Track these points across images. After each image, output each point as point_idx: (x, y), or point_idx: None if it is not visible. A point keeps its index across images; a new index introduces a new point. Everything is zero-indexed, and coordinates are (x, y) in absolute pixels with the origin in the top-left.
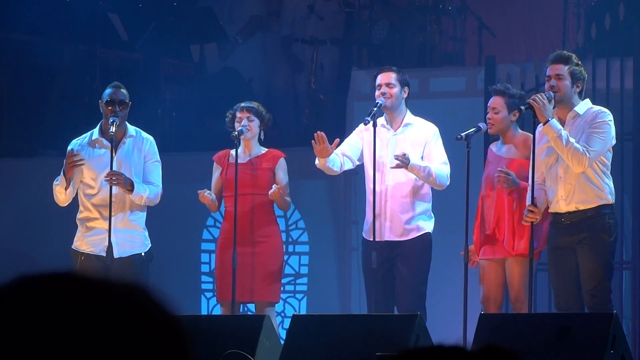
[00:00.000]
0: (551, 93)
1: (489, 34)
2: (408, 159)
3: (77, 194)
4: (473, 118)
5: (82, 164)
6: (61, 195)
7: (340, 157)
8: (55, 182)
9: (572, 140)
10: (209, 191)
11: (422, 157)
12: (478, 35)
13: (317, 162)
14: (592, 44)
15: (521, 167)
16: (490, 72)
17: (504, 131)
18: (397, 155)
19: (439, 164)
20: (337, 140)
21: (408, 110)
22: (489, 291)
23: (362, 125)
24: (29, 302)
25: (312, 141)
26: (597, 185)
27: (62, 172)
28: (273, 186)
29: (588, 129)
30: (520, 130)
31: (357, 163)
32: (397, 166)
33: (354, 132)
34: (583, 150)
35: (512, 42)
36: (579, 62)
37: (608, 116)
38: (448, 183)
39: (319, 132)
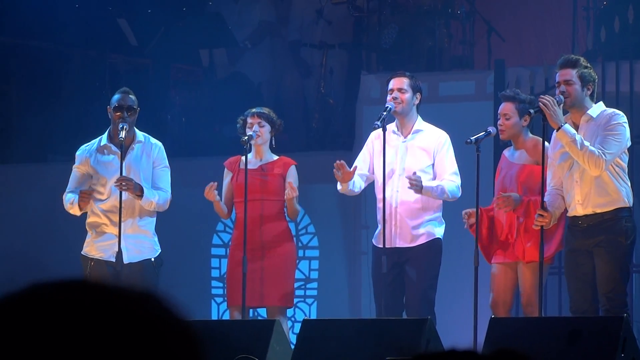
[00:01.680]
0: (561, 97)
1: (498, 38)
2: (420, 182)
3: None
4: (482, 122)
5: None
6: (74, 213)
7: (359, 178)
8: (68, 202)
9: (586, 143)
10: (215, 189)
11: (432, 165)
12: (487, 39)
13: (339, 187)
14: (602, 47)
15: (532, 173)
16: (500, 76)
17: (515, 137)
18: (408, 176)
19: (450, 174)
20: (356, 166)
21: (419, 117)
22: (498, 296)
23: (372, 135)
24: (42, 309)
25: (334, 170)
26: (614, 189)
27: (77, 204)
28: (287, 190)
29: (603, 132)
30: (530, 135)
31: (373, 176)
32: (414, 188)
33: (364, 146)
34: (599, 152)
35: (521, 45)
36: (588, 65)
37: (622, 118)
38: (460, 194)
39: (338, 161)
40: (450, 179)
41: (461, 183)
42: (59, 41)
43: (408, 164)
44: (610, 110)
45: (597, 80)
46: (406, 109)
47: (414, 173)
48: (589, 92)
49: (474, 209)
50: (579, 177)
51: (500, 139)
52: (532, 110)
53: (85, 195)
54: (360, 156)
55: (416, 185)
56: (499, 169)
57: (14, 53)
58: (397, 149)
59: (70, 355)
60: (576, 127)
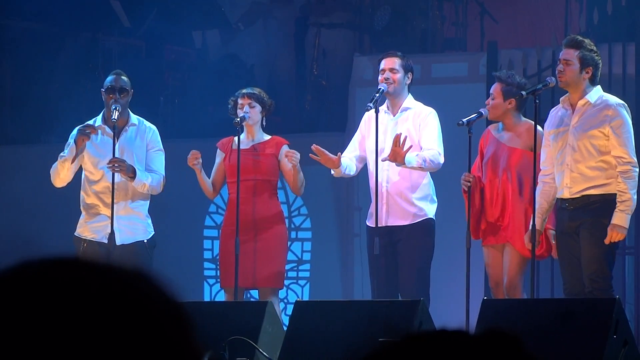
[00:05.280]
0: (552, 78)
1: (491, 20)
2: (402, 153)
3: (80, 181)
4: (475, 104)
5: (89, 139)
6: (63, 170)
7: (354, 160)
8: (60, 156)
9: (626, 197)
10: (198, 155)
11: (418, 140)
12: (480, 20)
13: (332, 172)
14: (594, 29)
15: (523, 158)
16: (493, 58)
17: (502, 118)
18: (397, 136)
19: (431, 144)
20: (340, 154)
21: (410, 95)
22: (497, 276)
23: (365, 115)
24: (32, 286)
25: (311, 155)
26: (606, 175)
27: (73, 141)
28: (285, 160)
29: (616, 138)
30: (523, 118)
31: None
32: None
33: (358, 128)
34: (631, 170)
35: (514, 27)
36: (593, 48)
37: (622, 114)
38: (442, 161)
39: (314, 145)
40: (429, 148)
41: (453, 165)
42: (52, 23)
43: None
44: (610, 98)
45: (599, 64)
46: (398, 89)
47: (405, 137)
48: (587, 75)
49: (472, 176)
50: (571, 161)
51: (488, 118)
52: (523, 92)
53: (85, 133)
54: (354, 138)
55: (397, 153)
56: (483, 145)
57: (7, 34)
58: (387, 128)
59: (59, 333)
60: (573, 109)
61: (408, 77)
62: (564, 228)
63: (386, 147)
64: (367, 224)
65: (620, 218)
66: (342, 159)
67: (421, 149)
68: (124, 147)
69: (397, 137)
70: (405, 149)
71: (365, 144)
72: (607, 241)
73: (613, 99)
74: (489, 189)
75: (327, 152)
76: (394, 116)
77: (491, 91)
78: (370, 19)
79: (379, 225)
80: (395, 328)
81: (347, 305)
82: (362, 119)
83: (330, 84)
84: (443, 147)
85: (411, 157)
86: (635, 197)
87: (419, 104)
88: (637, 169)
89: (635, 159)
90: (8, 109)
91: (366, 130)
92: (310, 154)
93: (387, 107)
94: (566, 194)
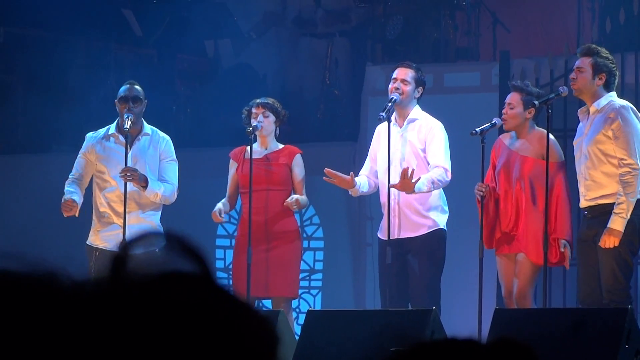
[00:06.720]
0: (565, 88)
1: (503, 29)
2: (411, 183)
3: (92, 189)
4: (488, 113)
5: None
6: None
7: (371, 177)
8: (66, 190)
9: (621, 199)
10: (221, 207)
11: (424, 156)
12: (492, 30)
13: (350, 192)
14: (607, 38)
15: (535, 165)
16: (505, 67)
17: (519, 127)
18: (406, 170)
19: (438, 160)
20: (352, 173)
21: (417, 106)
22: (510, 285)
23: (378, 128)
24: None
25: (325, 178)
26: (617, 182)
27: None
28: (289, 198)
29: (616, 140)
30: (537, 127)
31: None
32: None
33: (371, 144)
34: (629, 173)
35: (526, 36)
36: (608, 56)
37: (625, 113)
38: (449, 177)
39: (327, 169)
40: (436, 164)
41: (465, 175)
42: (64, 31)
43: (405, 153)
44: (616, 102)
45: (614, 71)
46: (405, 101)
47: (412, 170)
48: (600, 82)
49: (485, 185)
50: (584, 169)
51: (504, 128)
52: (536, 102)
53: (66, 207)
54: (369, 154)
55: (406, 185)
56: (495, 156)
57: (19, 43)
58: (395, 140)
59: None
60: (588, 117)
61: (418, 91)
62: (581, 236)
63: (394, 160)
64: (379, 236)
65: (616, 222)
66: (356, 178)
67: (428, 163)
68: (136, 157)
69: (404, 171)
70: (414, 180)
71: (377, 156)
72: (601, 244)
73: (618, 102)
74: (503, 198)
75: (340, 174)
76: (400, 128)
77: (509, 101)
78: (382, 29)
79: (390, 238)
80: (407, 338)
81: (359, 314)
82: (375, 133)
83: (342, 94)
84: (450, 160)
85: (420, 185)
86: (634, 200)
87: (426, 115)
88: (638, 172)
89: (637, 161)
90: (20, 118)
91: (377, 144)
92: (324, 177)
93: (395, 119)
94: (583, 203)
